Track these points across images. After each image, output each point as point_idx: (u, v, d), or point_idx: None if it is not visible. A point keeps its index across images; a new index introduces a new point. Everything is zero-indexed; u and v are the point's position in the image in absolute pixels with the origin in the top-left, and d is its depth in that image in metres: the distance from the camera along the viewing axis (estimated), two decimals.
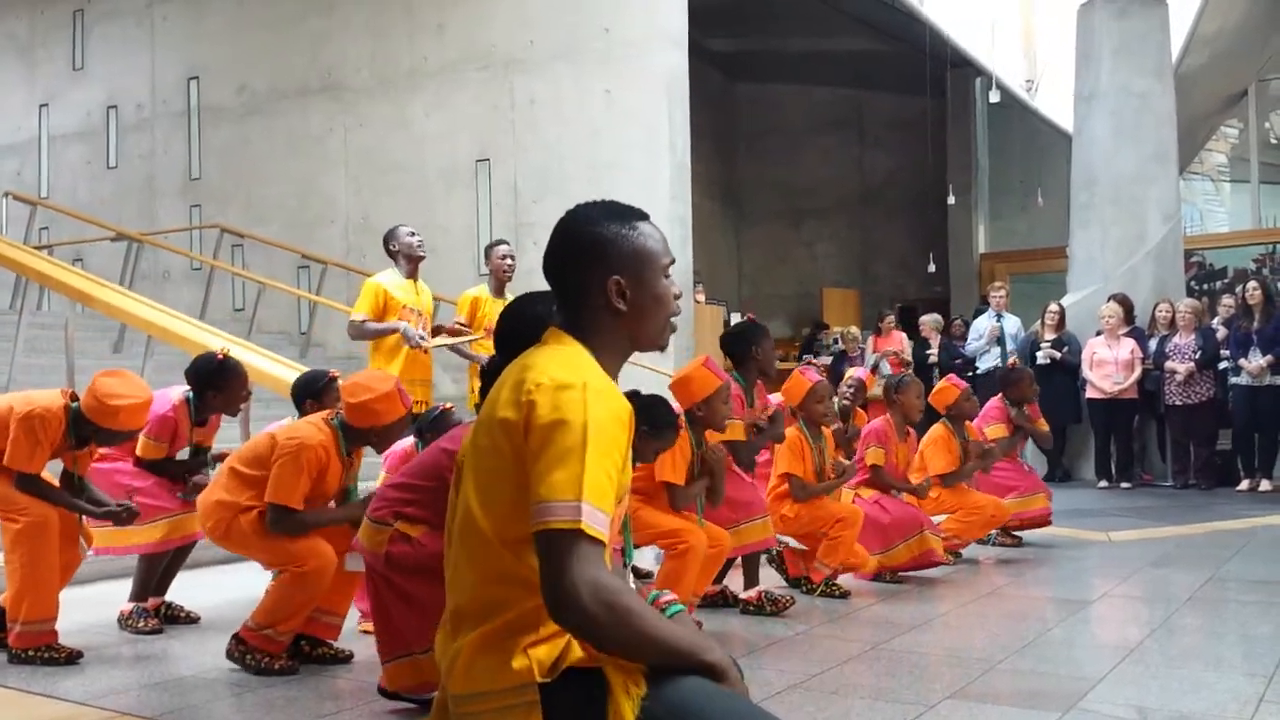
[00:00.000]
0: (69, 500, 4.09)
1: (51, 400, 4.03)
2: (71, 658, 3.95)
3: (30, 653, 3.92)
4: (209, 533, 4.01)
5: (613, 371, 1.86)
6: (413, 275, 6.23)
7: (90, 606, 4.84)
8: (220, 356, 4.65)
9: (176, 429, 4.60)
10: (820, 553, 5.18)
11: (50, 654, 3.94)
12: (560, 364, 1.77)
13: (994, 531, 6.65)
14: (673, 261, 1.94)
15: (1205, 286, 14.23)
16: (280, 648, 3.84)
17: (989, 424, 6.66)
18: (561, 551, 1.62)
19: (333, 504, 4.06)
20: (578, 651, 1.72)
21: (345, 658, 3.98)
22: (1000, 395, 6.83)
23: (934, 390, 6.31)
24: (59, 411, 3.99)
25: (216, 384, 4.59)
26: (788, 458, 5.16)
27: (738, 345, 5.08)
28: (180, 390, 4.64)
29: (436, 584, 3.22)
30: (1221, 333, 9.81)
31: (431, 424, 4.23)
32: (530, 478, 1.68)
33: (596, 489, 1.65)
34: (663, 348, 1.95)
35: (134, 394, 4.02)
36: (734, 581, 4.94)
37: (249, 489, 3.90)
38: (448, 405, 4.43)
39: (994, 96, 12.29)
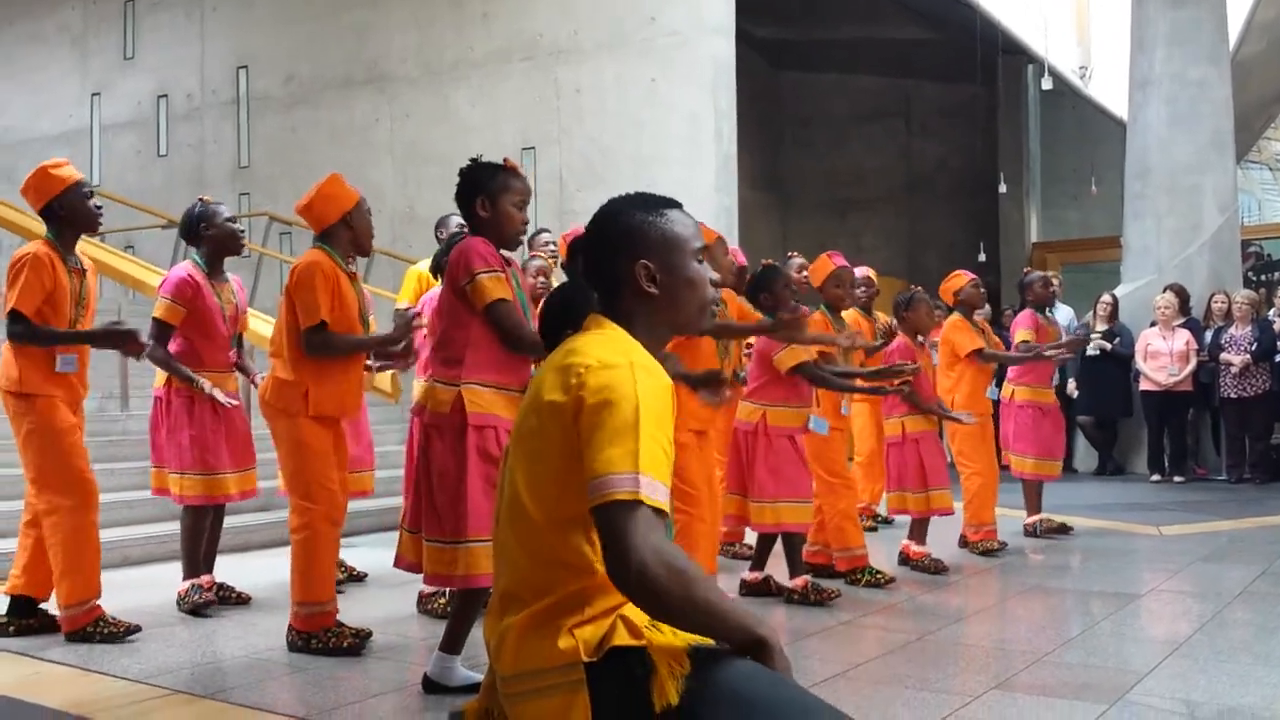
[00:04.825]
0: (80, 333, 4.10)
1: (31, 246, 4.08)
2: (130, 630, 4.03)
3: (89, 629, 4.00)
4: (267, 406, 3.99)
5: (654, 355, 1.88)
6: None
7: (143, 588, 4.94)
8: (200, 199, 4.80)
9: (199, 291, 4.57)
10: (833, 544, 5.22)
11: (108, 629, 4.01)
12: (604, 346, 1.80)
13: (1039, 522, 6.62)
14: (705, 246, 1.96)
15: (1263, 277, 13.94)
16: (333, 619, 3.89)
17: (1019, 329, 6.80)
18: (623, 520, 1.64)
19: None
20: (623, 632, 1.74)
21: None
22: (1024, 307, 7.00)
23: (944, 281, 6.50)
24: (41, 253, 4.01)
25: (207, 220, 4.64)
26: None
27: (753, 292, 4.91)
28: (184, 262, 4.70)
29: (463, 477, 3.39)
30: (1278, 324, 9.63)
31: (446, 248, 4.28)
32: (584, 457, 1.70)
33: (653, 461, 1.68)
34: (704, 330, 1.96)
35: (55, 160, 4.14)
36: (778, 571, 4.93)
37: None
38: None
39: (1046, 84, 12.07)
